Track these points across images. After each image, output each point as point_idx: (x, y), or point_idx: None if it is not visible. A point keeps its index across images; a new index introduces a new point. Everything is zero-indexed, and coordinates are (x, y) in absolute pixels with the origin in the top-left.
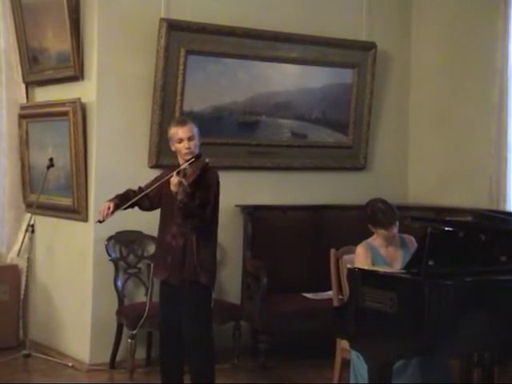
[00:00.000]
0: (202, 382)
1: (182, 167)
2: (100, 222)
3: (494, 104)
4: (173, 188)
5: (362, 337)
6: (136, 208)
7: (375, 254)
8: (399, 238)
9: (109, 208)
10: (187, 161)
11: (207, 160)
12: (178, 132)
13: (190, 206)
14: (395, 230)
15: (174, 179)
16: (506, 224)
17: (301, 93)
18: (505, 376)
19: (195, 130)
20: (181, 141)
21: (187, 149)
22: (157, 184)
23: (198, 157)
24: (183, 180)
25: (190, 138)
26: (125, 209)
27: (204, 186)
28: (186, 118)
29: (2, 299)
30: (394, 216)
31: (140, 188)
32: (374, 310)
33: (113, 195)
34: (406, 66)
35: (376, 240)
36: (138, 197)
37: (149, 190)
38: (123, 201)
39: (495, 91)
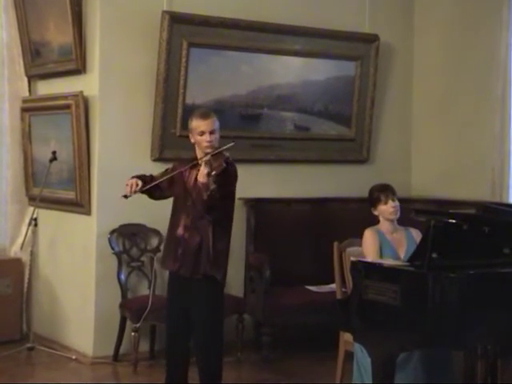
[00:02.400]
0: (210, 377)
1: (205, 158)
2: (126, 197)
3: (497, 96)
4: (202, 179)
5: (365, 329)
6: (139, 201)
7: (382, 238)
8: (404, 228)
9: (137, 185)
10: (207, 154)
11: (227, 154)
12: (200, 125)
13: (215, 197)
14: (393, 204)
15: (204, 170)
16: (509, 216)
17: (303, 85)
18: (508, 368)
19: (217, 124)
20: (203, 133)
21: (208, 142)
22: (175, 173)
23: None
24: (212, 171)
25: (212, 132)
26: (143, 192)
27: (225, 180)
28: (208, 111)
29: (5, 293)
30: (391, 191)
31: (152, 176)
32: (377, 302)
33: (116, 188)
34: (408, 58)
35: (382, 226)
36: (162, 179)
37: (169, 176)
38: (145, 182)
39: (498, 83)
